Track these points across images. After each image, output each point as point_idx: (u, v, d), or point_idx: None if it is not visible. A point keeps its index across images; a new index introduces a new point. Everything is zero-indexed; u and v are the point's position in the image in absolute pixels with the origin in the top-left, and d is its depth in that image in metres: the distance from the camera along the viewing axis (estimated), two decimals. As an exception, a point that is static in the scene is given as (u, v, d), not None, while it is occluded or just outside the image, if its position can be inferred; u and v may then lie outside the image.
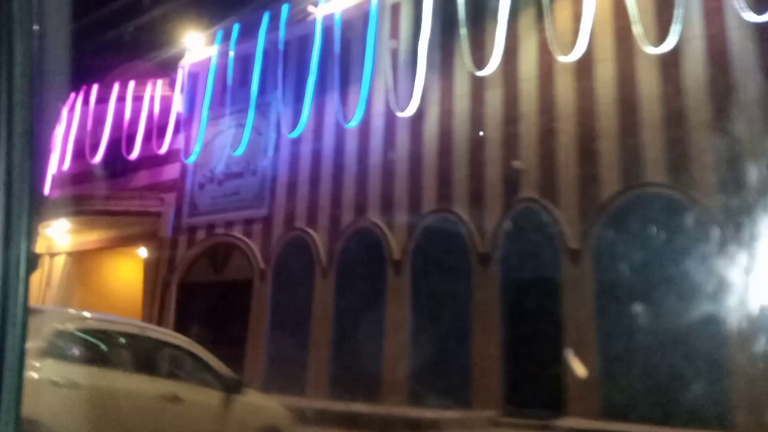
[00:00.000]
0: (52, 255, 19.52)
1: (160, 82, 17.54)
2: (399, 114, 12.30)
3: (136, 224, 17.05)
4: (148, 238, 17.12)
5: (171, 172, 17.01)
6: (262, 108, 15.09)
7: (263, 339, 13.41)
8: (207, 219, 15.59)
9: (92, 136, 18.35)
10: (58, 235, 19.16)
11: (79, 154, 18.94)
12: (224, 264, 15.03)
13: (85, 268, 19.98)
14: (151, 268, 16.80)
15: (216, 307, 14.81)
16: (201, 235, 15.64)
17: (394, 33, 13.13)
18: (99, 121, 18.18)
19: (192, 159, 16.11)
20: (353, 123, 12.90)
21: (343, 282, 12.49)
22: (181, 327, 14.60)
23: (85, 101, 18.83)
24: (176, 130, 16.87)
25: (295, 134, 13.93)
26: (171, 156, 16.99)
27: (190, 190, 16.27)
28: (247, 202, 14.89)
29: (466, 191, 11.43)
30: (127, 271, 20.49)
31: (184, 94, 17.11)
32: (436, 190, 11.83)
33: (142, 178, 17.76)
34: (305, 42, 14.43)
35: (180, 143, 16.87)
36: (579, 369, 9.06)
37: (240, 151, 14.89)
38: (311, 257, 13.13)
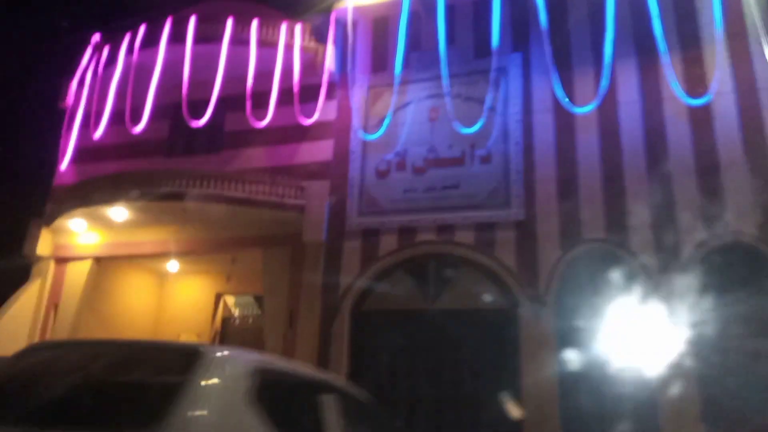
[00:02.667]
0: (65, 260, 12.87)
1: (298, 28, 12.50)
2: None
3: (254, 222, 11.59)
4: (276, 242, 11.73)
5: (316, 151, 11.93)
6: (487, 74, 11.06)
7: (555, 405, 9.09)
8: (398, 220, 10.87)
9: (137, 95, 12.54)
10: (83, 232, 12.70)
11: (119, 118, 12.93)
12: (441, 285, 10.42)
13: (121, 280, 13.54)
14: (281, 286, 11.40)
15: (432, 346, 10.09)
16: (388, 242, 10.84)
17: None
18: (166, 77, 12.47)
19: (376, 135, 11.35)
20: (701, 100, 9.55)
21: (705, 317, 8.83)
22: (361, 376, 9.76)
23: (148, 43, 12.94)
24: (327, 95, 11.97)
25: (583, 109, 10.14)
26: (315, 130, 11.98)
27: (360, 178, 11.41)
28: (479, 199, 10.56)
29: None
30: (191, 290, 14.51)
31: (334, 48, 12.31)
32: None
33: (254, 157, 12.30)
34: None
35: (330, 113, 11.98)
36: None
37: (474, 128, 10.63)
38: (629, 279, 9.27)
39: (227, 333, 15.20)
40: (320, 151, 11.86)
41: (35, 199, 13.54)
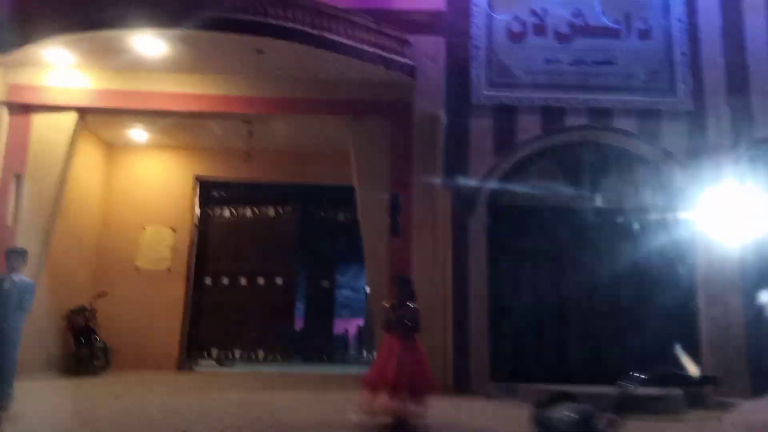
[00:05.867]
0: (29, 110, 8.60)
1: None
2: None
3: (340, 80, 8.59)
4: (369, 110, 8.88)
5: (422, -3, 9.05)
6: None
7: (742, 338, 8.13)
8: (540, 97, 8.75)
9: None
10: (64, 69, 8.52)
11: None
12: (597, 180, 8.68)
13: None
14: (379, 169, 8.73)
15: (587, 252, 8.48)
16: (528, 124, 8.71)
17: None
18: None
19: None
20: None
21: None
22: (502, 288, 8.10)
23: None
24: None
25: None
26: (420, -32, 9.06)
27: (486, 39, 8.94)
28: (639, 81, 8.85)
29: None
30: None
31: None
32: None
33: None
34: None
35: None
36: None
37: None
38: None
39: (210, 229, 11.98)
40: (430, -3, 9.05)
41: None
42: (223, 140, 10.65)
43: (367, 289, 9.25)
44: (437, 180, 8.54)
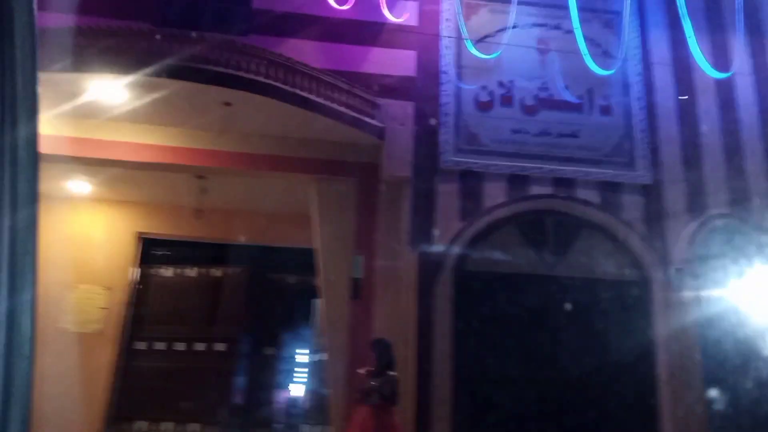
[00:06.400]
0: None
1: None
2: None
3: (307, 139, 8.33)
4: (336, 171, 8.59)
5: (393, 62, 9.03)
6: (601, 15, 9.64)
7: (699, 392, 8.09)
8: (506, 165, 8.77)
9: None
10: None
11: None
12: (561, 249, 8.63)
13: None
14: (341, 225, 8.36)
15: (550, 319, 8.31)
16: (494, 191, 8.67)
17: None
18: None
19: (492, 55, 8.93)
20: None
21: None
22: (466, 355, 7.84)
23: None
24: (408, -9, 9.19)
25: (722, 75, 9.26)
26: (391, 34, 9.12)
27: (455, 106, 8.97)
28: (601, 154, 9.05)
29: None
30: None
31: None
32: None
33: (301, 52, 8.83)
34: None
35: (411, 16, 9.24)
36: None
37: (610, 71, 9.03)
38: (757, 262, 8.72)
39: (149, 290, 11.17)
40: (398, 62, 9.06)
41: None
42: (172, 196, 10.08)
43: (324, 356, 8.67)
44: (403, 243, 8.27)
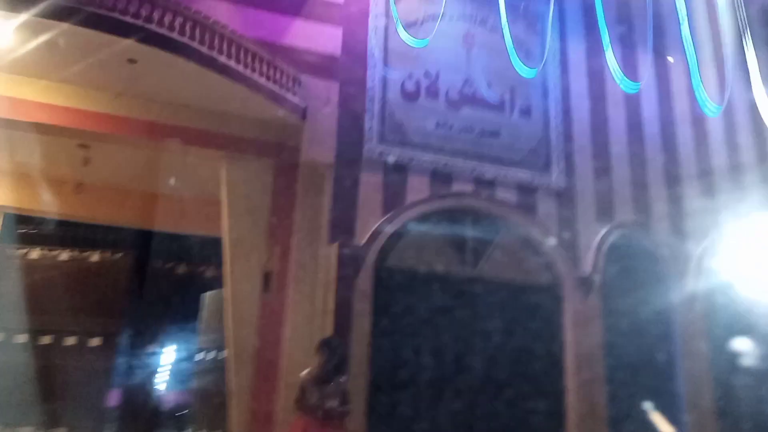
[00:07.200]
0: None
1: None
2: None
3: (219, 111, 7.47)
4: (250, 149, 7.76)
5: (316, 37, 8.35)
6: (524, 17, 9.68)
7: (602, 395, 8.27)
8: (430, 160, 8.46)
9: None
10: None
11: None
12: (480, 250, 8.44)
13: None
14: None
15: (468, 320, 8.10)
16: (418, 185, 8.32)
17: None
18: None
19: (422, 42, 8.51)
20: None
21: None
22: (383, 351, 7.56)
23: None
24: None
25: (632, 86, 9.58)
26: (315, 6, 8.46)
27: (381, 92, 8.50)
28: (520, 155, 9.01)
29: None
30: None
31: None
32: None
33: (215, 13, 7.85)
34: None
35: (338, -7, 8.66)
36: None
37: (533, 72, 8.99)
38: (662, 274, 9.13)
39: (9, 274, 9.64)
40: (323, 38, 8.42)
41: None
42: (47, 165, 8.67)
43: (224, 354, 7.85)
44: (322, 234, 7.68)
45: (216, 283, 9.80)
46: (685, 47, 9.85)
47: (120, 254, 10.46)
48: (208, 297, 10.69)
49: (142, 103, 7.31)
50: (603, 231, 9.01)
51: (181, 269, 11.08)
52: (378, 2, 8.77)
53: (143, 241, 10.35)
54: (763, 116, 9.46)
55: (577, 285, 8.64)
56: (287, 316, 7.39)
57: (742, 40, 9.80)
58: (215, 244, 8.46)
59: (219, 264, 8.23)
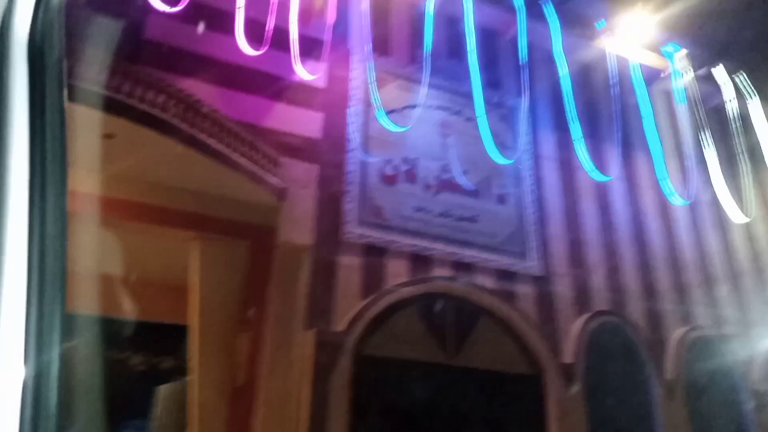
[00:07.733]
0: None
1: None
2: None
3: (194, 190, 7.16)
4: (224, 230, 7.38)
5: (297, 121, 8.29)
6: (497, 109, 9.97)
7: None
8: (410, 244, 8.28)
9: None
10: None
11: None
12: (461, 337, 8.10)
13: None
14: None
15: (450, 411, 7.62)
16: (397, 269, 8.07)
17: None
18: None
19: (403, 128, 8.55)
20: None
21: (703, 408, 9.06)
22: None
23: None
24: (317, 53, 8.69)
25: (603, 177, 9.81)
26: (298, 91, 8.46)
27: (360, 176, 8.39)
28: (498, 241, 8.94)
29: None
30: None
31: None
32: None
33: (197, 93, 7.72)
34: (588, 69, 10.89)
35: (320, 77, 8.71)
36: None
37: (509, 160, 9.11)
38: (641, 362, 8.97)
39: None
40: (304, 122, 8.37)
41: None
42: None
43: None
44: (298, 320, 7.23)
45: (173, 375, 9.07)
46: (649, 141, 10.29)
47: (68, 344, 9.59)
48: (162, 390, 9.83)
49: (108, 180, 6.93)
50: (581, 320, 8.87)
51: (137, 359, 10.23)
52: (358, 89, 8.87)
53: (91, 328, 9.54)
54: (724, 209, 9.81)
55: (557, 373, 8.36)
56: (257, 411, 6.76)
57: (699, 136, 10.33)
58: (175, 332, 7.89)
59: (178, 354, 7.62)
